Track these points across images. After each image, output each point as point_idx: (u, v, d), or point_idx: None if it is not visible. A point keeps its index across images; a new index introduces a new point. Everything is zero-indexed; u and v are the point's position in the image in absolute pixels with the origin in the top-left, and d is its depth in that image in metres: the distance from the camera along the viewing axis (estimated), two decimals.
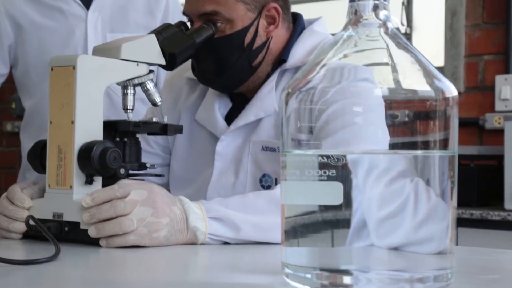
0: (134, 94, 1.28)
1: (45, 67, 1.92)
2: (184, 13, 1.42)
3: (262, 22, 1.40)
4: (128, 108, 1.27)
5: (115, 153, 1.15)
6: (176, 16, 1.96)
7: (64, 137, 1.16)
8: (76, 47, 1.91)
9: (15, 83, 2.03)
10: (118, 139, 1.24)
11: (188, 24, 1.42)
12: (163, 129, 1.29)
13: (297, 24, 1.46)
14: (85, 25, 1.92)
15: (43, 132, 2.05)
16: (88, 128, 1.16)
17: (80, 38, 1.91)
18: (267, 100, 1.40)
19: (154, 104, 1.31)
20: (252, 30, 1.38)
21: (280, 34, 1.42)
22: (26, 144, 2.02)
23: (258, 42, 1.40)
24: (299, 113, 0.76)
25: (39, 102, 1.96)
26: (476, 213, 2.32)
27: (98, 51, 1.26)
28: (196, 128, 1.50)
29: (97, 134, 1.17)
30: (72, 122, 1.15)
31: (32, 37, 1.94)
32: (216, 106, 1.46)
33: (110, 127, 1.22)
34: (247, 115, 1.42)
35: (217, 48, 1.38)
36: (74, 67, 1.15)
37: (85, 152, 1.14)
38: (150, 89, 1.29)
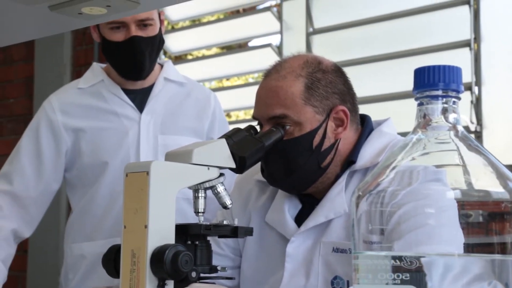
0: (205, 198, 1.29)
1: (99, 167, 2.00)
2: (254, 117, 1.46)
3: (331, 124, 1.42)
4: (200, 211, 1.29)
5: (187, 257, 1.16)
6: (221, 124, 2.13)
7: (138, 242, 1.17)
8: (129, 147, 2.01)
9: (66, 185, 2.08)
10: (189, 242, 1.25)
11: (257, 127, 1.45)
12: (233, 232, 1.29)
13: (365, 126, 1.47)
14: (138, 126, 2.03)
15: (92, 231, 2.06)
16: (160, 232, 1.18)
17: (133, 138, 2.02)
18: (337, 201, 1.40)
19: (225, 207, 1.32)
20: (320, 132, 1.40)
21: (348, 135, 1.44)
22: (71, 243, 2.06)
23: (327, 144, 1.41)
24: (370, 215, 0.76)
25: (89, 202, 2.02)
26: None
27: (170, 156, 1.29)
28: (266, 230, 1.50)
29: (170, 237, 1.19)
30: (146, 227, 1.17)
31: (88, 140, 2.02)
32: (286, 207, 1.47)
33: (181, 230, 1.23)
34: (317, 217, 1.42)
35: (286, 150, 1.40)
36: (148, 173, 1.18)
37: (158, 256, 1.15)
38: (220, 192, 1.31)
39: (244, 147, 1.35)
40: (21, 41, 1.33)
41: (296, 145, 1.39)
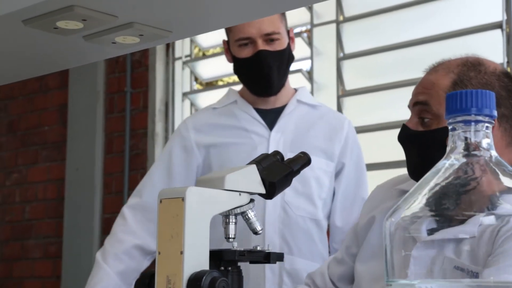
0: (236, 223, 1.30)
1: None
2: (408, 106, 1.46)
3: None
4: (230, 237, 1.29)
5: (224, 283, 1.16)
6: (354, 150, 2.10)
7: (173, 268, 1.18)
8: None
9: None
10: (222, 268, 1.25)
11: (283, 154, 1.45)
12: (266, 257, 1.29)
13: None
14: (267, 143, 2.05)
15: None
16: (195, 258, 1.18)
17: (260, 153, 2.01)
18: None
19: (255, 232, 1.32)
20: None
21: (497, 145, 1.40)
22: None
23: None
24: (403, 241, 0.75)
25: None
26: None
27: (202, 182, 1.29)
28: None
29: (204, 263, 1.19)
30: (181, 253, 1.17)
31: (218, 155, 2.08)
32: None
33: (215, 256, 1.23)
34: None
35: (421, 143, 1.39)
36: (183, 199, 1.19)
37: (195, 282, 1.15)
38: (251, 217, 1.31)
39: (273, 172, 1.35)
40: (56, 70, 1.35)
41: (431, 138, 1.37)
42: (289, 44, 2.05)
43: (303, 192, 2.04)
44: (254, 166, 1.33)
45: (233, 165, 1.94)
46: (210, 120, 2.12)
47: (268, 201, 1.95)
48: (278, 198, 1.91)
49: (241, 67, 2.05)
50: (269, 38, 2.00)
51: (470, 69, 1.39)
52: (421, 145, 1.39)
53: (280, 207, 2.03)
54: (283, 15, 2.05)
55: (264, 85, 2.04)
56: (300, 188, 2.03)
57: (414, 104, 1.41)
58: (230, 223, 1.29)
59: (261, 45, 2.00)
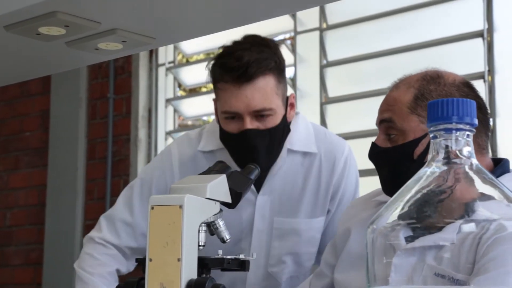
0: (205, 232, 1.30)
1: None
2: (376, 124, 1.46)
3: None
4: (200, 245, 1.28)
5: None
6: (347, 191, 1.86)
7: (168, 275, 1.18)
8: (242, 228, 1.82)
9: None
10: (204, 275, 1.25)
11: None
12: (241, 265, 1.30)
13: (499, 166, 1.41)
14: (253, 208, 1.82)
15: None
16: (190, 265, 1.19)
17: (247, 219, 1.82)
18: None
19: (224, 241, 1.33)
20: (424, 142, 1.39)
21: None
22: None
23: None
24: (384, 248, 0.76)
25: None
26: None
27: (178, 190, 1.29)
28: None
29: (194, 270, 1.20)
30: (179, 260, 1.17)
31: None
32: None
33: (202, 263, 1.24)
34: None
35: (389, 158, 1.42)
36: (181, 206, 1.19)
37: None
38: (220, 226, 1.33)
39: (237, 182, 1.37)
40: (38, 76, 1.35)
41: (398, 153, 1.40)
42: (285, 116, 1.76)
43: (292, 259, 1.86)
44: (225, 176, 1.34)
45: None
46: (195, 162, 1.85)
47: (251, 269, 1.81)
48: (261, 268, 1.82)
49: (227, 140, 1.78)
50: (259, 114, 1.71)
51: (430, 83, 1.42)
52: (390, 160, 1.42)
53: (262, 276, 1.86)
54: (281, 80, 1.76)
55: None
56: (288, 259, 1.85)
57: (380, 122, 1.44)
58: (201, 231, 1.29)
59: (249, 123, 1.71)
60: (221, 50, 1.77)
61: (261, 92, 1.70)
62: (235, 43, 1.76)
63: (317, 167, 1.84)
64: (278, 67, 1.75)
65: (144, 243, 1.59)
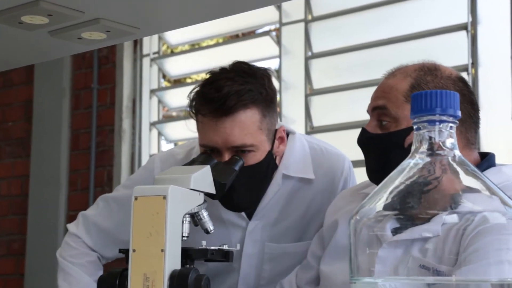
0: (189, 222, 1.30)
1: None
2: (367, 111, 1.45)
3: None
4: (184, 235, 1.28)
5: (207, 280, 1.18)
6: None
7: (152, 265, 1.18)
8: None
9: None
10: (187, 265, 1.25)
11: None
12: (224, 256, 1.32)
13: (485, 159, 1.42)
14: (243, 232, 1.70)
15: None
16: (174, 255, 1.19)
17: (236, 244, 1.68)
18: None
19: (207, 232, 1.33)
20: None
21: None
22: None
23: None
24: (368, 240, 0.76)
25: None
26: None
27: (162, 180, 1.29)
28: None
29: (178, 261, 1.20)
30: (162, 250, 1.17)
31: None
32: None
33: (186, 254, 1.24)
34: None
35: (380, 145, 1.41)
36: (165, 197, 1.19)
37: (180, 279, 1.16)
38: (204, 217, 1.33)
39: (221, 173, 1.37)
40: (21, 66, 1.33)
41: (389, 140, 1.40)
42: (270, 152, 1.61)
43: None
44: (208, 167, 1.34)
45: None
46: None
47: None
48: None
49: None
50: (240, 150, 1.56)
51: (427, 74, 1.42)
52: (380, 147, 1.42)
53: None
54: (267, 114, 1.60)
55: (230, 204, 1.62)
56: (280, 279, 1.71)
57: (373, 109, 1.44)
58: (185, 222, 1.29)
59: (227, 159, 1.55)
60: (207, 76, 1.62)
61: (241, 126, 1.54)
62: (221, 70, 1.61)
63: (315, 192, 1.72)
64: (264, 100, 1.58)
65: (116, 252, 1.49)
